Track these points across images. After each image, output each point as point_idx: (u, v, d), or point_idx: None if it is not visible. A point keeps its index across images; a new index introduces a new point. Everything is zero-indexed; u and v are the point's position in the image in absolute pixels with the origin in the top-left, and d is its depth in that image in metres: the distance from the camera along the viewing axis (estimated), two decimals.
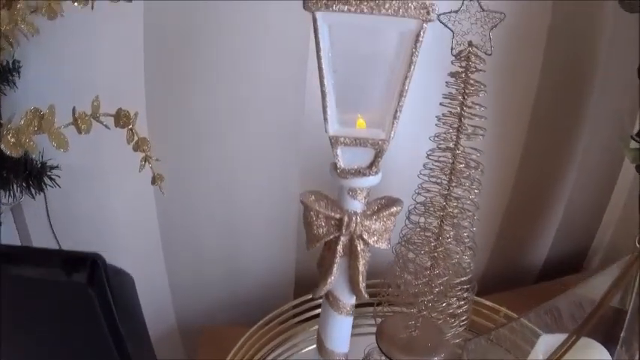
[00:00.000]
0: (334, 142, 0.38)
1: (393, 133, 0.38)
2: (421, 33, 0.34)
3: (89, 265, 0.35)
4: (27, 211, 0.63)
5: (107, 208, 0.67)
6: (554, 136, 0.83)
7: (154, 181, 0.49)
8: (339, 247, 0.42)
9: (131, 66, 0.60)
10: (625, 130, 0.55)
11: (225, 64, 0.63)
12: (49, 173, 0.53)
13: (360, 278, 0.42)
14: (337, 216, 0.40)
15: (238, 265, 0.76)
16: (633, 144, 0.55)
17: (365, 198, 0.41)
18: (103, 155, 0.62)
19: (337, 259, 0.41)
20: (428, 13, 0.33)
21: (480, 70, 0.53)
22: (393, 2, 0.33)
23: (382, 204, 0.42)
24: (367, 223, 0.41)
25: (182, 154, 0.66)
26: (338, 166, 0.39)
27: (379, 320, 0.53)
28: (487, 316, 0.65)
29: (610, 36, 0.77)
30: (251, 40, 0.62)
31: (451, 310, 0.55)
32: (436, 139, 0.58)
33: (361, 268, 0.42)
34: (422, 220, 0.61)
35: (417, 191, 0.60)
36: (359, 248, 0.42)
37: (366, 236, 0.41)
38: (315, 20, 0.35)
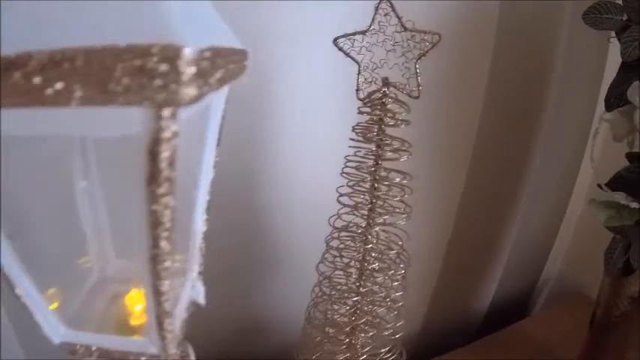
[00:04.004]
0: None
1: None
2: (163, 143, 0.13)
3: None
4: None
5: None
6: (498, 172, 0.74)
7: None
8: None
9: None
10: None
11: None
12: None
13: None
14: None
15: None
16: (602, 196, 0.43)
17: None
18: None
19: None
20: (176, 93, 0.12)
21: (403, 121, 0.35)
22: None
23: None
24: None
25: None
26: None
27: None
28: None
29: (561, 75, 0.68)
30: None
31: None
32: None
33: None
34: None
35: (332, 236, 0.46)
36: None
37: None
38: None
